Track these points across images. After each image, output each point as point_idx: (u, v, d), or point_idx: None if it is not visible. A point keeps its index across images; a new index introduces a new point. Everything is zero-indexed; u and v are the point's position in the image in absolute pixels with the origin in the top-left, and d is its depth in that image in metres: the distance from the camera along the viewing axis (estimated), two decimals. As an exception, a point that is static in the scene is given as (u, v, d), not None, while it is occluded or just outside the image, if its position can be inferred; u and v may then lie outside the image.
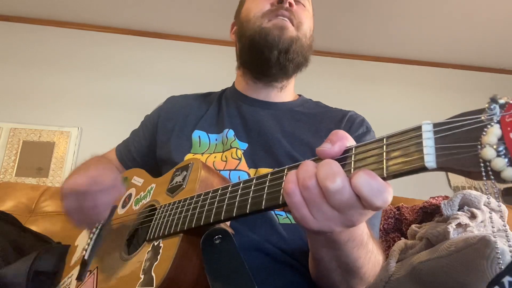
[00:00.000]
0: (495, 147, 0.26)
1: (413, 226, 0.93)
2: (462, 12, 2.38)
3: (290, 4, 0.76)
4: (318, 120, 0.78)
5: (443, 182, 2.58)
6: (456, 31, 2.57)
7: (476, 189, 2.51)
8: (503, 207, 0.88)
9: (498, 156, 0.26)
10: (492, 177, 0.26)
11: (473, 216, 0.82)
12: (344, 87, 2.75)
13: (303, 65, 0.81)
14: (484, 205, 0.84)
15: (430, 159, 0.29)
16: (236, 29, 0.85)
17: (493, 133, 0.26)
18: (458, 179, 2.58)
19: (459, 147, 0.28)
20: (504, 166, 0.25)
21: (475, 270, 0.63)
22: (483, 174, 0.26)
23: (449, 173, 2.61)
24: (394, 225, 1.05)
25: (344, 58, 2.85)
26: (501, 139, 0.26)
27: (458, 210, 0.85)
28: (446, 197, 0.99)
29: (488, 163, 0.26)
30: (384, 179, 0.32)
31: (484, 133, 0.27)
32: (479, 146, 0.27)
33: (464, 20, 2.46)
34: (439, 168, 0.29)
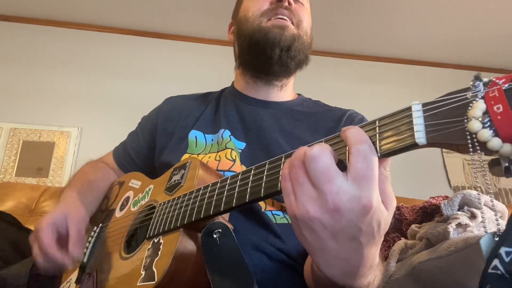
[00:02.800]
0: (480, 119, 0.27)
1: (413, 226, 0.93)
2: (462, 12, 2.38)
3: (289, 2, 0.76)
4: (317, 119, 0.78)
5: (443, 182, 2.58)
6: (455, 31, 2.57)
7: (476, 189, 2.51)
8: (503, 207, 0.88)
9: (484, 127, 0.27)
10: (478, 147, 0.27)
11: (473, 216, 0.82)
12: (344, 87, 2.75)
13: (303, 63, 0.80)
14: (484, 205, 0.84)
15: (420, 136, 0.31)
16: (235, 28, 0.85)
17: (478, 107, 0.28)
18: (458, 179, 2.58)
19: (447, 122, 0.30)
20: (490, 137, 0.27)
21: (475, 270, 0.63)
22: (470, 146, 0.28)
23: (449, 173, 2.61)
24: (394, 225, 1.05)
25: (344, 58, 2.85)
26: (486, 113, 0.27)
27: (458, 210, 0.85)
28: (446, 197, 0.99)
29: (474, 135, 0.28)
30: (378, 158, 0.33)
31: (470, 108, 0.28)
32: (466, 120, 0.28)
33: (463, 20, 2.46)
34: (429, 143, 0.31)
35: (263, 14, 0.76)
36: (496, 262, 0.26)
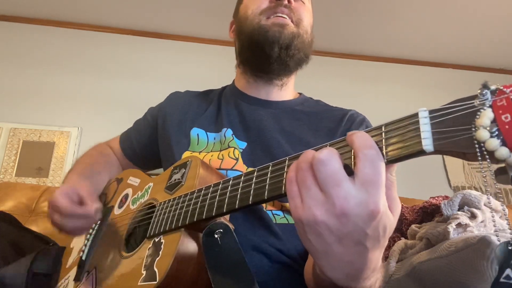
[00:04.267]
0: (488, 128, 0.27)
1: (413, 226, 0.93)
2: (462, 12, 2.38)
3: (289, 1, 0.76)
4: (318, 119, 0.77)
5: (443, 182, 2.58)
6: (456, 31, 2.57)
7: (476, 189, 2.51)
8: (503, 207, 0.88)
9: (492, 137, 0.27)
10: (487, 156, 0.28)
11: (473, 216, 0.82)
12: (344, 87, 2.75)
13: (303, 61, 0.80)
14: (485, 205, 0.84)
15: (427, 143, 0.31)
16: (235, 27, 0.85)
17: (486, 116, 0.28)
18: (458, 179, 2.58)
19: (455, 130, 0.30)
20: (498, 146, 0.27)
21: (475, 271, 0.63)
22: (478, 154, 0.28)
23: (449, 173, 2.61)
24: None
25: (344, 58, 2.85)
26: (494, 121, 0.28)
27: (458, 210, 0.85)
28: (446, 197, 0.99)
29: (482, 144, 0.28)
30: (384, 164, 0.32)
31: (478, 116, 0.29)
32: (474, 129, 0.29)
33: (464, 20, 2.46)
34: (436, 151, 0.31)
35: (263, 12, 0.76)
36: (508, 271, 0.26)
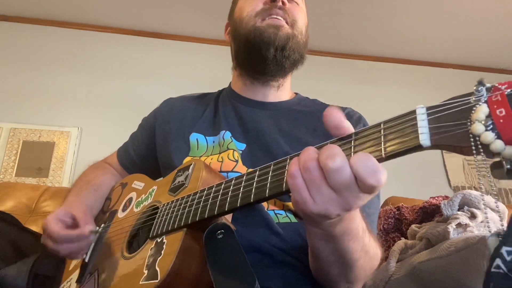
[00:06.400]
0: (483, 122, 0.29)
1: (413, 226, 0.94)
2: (462, 12, 2.38)
3: (283, 2, 0.76)
4: (315, 118, 0.78)
5: (443, 182, 2.58)
6: (456, 31, 2.57)
7: (476, 189, 2.51)
8: (503, 207, 0.88)
9: (487, 130, 0.28)
10: (481, 149, 0.29)
11: (473, 216, 0.82)
12: (344, 87, 2.75)
13: (299, 62, 0.81)
14: (487, 205, 0.84)
15: (424, 138, 0.32)
16: (230, 29, 0.85)
17: (482, 110, 0.29)
18: (458, 179, 2.58)
19: (451, 125, 0.31)
20: (493, 139, 0.28)
21: (475, 270, 0.64)
22: (473, 148, 0.29)
23: (449, 173, 2.61)
24: (394, 225, 1.05)
25: (344, 58, 2.85)
26: (489, 116, 0.29)
27: (458, 210, 0.85)
28: (446, 197, 0.99)
29: (477, 138, 0.29)
30: (383, 159, 0.34)
31: (473, 111, 0.30)
32: (469, 123, 0.30)
33: (464, 20, 2.46)
34: (434, 145, 0.32)
35: (258, 14, 0.76)
36: (498, 261, 0.27)
